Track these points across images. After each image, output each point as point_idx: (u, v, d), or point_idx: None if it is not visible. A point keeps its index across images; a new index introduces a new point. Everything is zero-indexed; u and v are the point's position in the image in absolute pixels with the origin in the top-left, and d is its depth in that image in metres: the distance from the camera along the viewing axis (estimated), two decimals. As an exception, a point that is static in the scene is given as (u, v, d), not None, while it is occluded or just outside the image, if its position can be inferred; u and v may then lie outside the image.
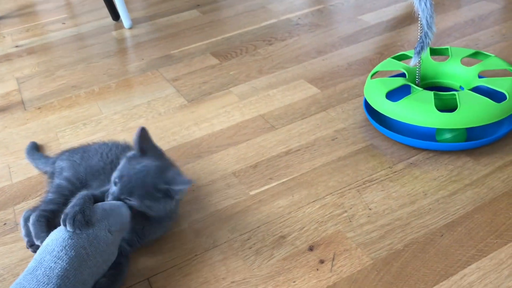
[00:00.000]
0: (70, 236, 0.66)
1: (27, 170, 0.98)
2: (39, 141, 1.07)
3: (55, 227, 0.71)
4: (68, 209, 0.68)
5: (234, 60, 1.33)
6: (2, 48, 1.57)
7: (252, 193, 0.87)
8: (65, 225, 0.66)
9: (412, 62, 0.94)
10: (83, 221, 0.66)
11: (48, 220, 0.77)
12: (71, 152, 0.89)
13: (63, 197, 0.80)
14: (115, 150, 0.87)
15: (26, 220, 0.79)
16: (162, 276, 0.73)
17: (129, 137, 1.05)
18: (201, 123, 1.08)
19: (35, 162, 0.98)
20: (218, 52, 1.39)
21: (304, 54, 1.33)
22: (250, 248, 0.76)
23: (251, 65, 1.30)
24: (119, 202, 0.72)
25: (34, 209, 0.80)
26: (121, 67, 1.36)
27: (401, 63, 1.03)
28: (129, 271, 0.74)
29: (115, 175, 0.74)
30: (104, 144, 0.90)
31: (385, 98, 0.93)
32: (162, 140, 1.04)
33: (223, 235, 0.79)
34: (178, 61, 1.36)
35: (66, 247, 0.65)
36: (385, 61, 1.05)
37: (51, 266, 0.63)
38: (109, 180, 0.78)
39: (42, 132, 1.10)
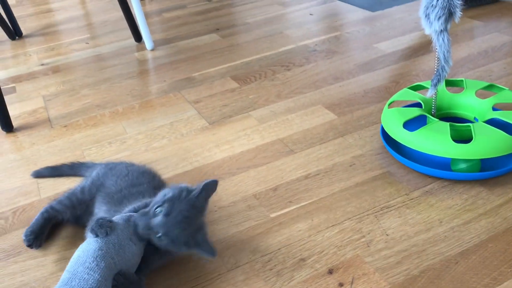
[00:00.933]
0: (99, 247, 0.70)
1: (55, 186, 1.02)
2: (65, 158, 1.12)
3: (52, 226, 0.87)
4: (90, 223, 0.73)
5: (253, 84, 1.38)
6: (28, 66, 1.62)
7: (272, 215, 0.90)
8: (94, 233, 0.71)
9: (429, 94, 0.98)
10: (108, 223, 0.71)
11: (50, 217, 0.88)
12: (107, 165, 0.95)
13: (71, 203, 0.88)
14: (130, 177, 0.89)
15: None
16: (187, 294, 0.76)
17: (153, 157, 1.09)
18: (222, 145, 1.12)
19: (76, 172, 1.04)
20: (238, 76, 1.44)
21: (321, 80, 1.37)
22: (271, 269, 0.79)
23: (270, 90, 1.34)
24: (137, 214, 0.76)
25: (51, 202, 0.90)
26: (144, 88, 1.41)
27: (417, 93, 1.07)
28: (155, 288, 0.77)
29: (163, 202, 0.73)
30: (126, 167, 0.92)
31: (402, 128, 0.97)
32: (184, 161, 1.07)
33: (245, 256, 0.82)
34: (199, 84, 1.41)
35: (97, 258, 0.68)
36: (401, 91, 1.09)
37: (85, 278, 0.67)
38: (114, 210, 0.81)
39: (69, 150, 1.15)
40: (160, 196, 0.76)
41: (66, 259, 0.84)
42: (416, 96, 1.06)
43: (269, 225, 0.88)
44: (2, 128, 1.24)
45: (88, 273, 0.67)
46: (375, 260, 0.79)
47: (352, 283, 0.76)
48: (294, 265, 0.80)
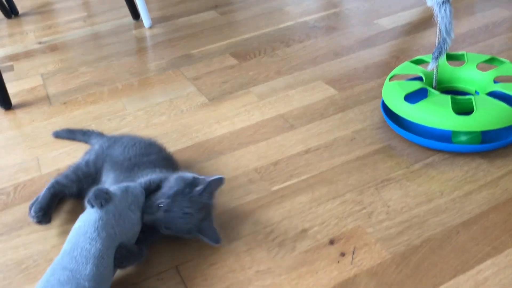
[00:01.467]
0: (100, 217, 0.70)
1: (55, 162, 1.02)
2: (65, 134, 1.11)
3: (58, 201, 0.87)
4: (88, 193, 0.73)
5: (252, 61, 1.37)
6: (25, 45, 1.61)
7: (273, 189, 0.91)
8: (91, 204, 0.71)
9: (430, 67, 0.97)
10: (103, 195, 0.72)
11: (56, 192, 0.86)
12: (109, 138, 0.95)
13: (76, 176, 0.87)
14: (138, 147, 0.90)
15: None
16: (190, 265, 0.77)
17: (154, 133, 1.09)
18: (222, 121, 1.12)
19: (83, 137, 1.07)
20: (237, 52, 1.43)
21: (321, 56, 1.36)
22: (273, 240, 0.80)
23: (270, 66, 1.33)
24: (134, 183, 0.77)
25: (55, 177, 0.89)
26: (143, 65, 1.40)
27: (418, 67, 1.06)
28: (158, 259, 0.78)
29: (167, 197, 0.76)
30: (132, 139, 0.93)
31: (403, 101, 0.96)
32: (185, 136, 1.07)
33: (247, 228, 0.83)
34: (198, 61, 1.40)
35: (98, 228, 0.69)
36: (402, 64, 1.09)
37: (86, 247, 0.67)
38: (125, 176, 0.82)
39: (69, 127, 1.14)
40: (166, 188, 0.77)
41: (68, 233, 0.84)
42: (417, 70, 1.05)
43: (270, 198, 0.88)
44: (1, 105, 1.23)
45: (89, 243, 0.67)
46: (376, 231, 0.80)
47: (353, 253, 0.76)
48: (296, 236, 0.80)
